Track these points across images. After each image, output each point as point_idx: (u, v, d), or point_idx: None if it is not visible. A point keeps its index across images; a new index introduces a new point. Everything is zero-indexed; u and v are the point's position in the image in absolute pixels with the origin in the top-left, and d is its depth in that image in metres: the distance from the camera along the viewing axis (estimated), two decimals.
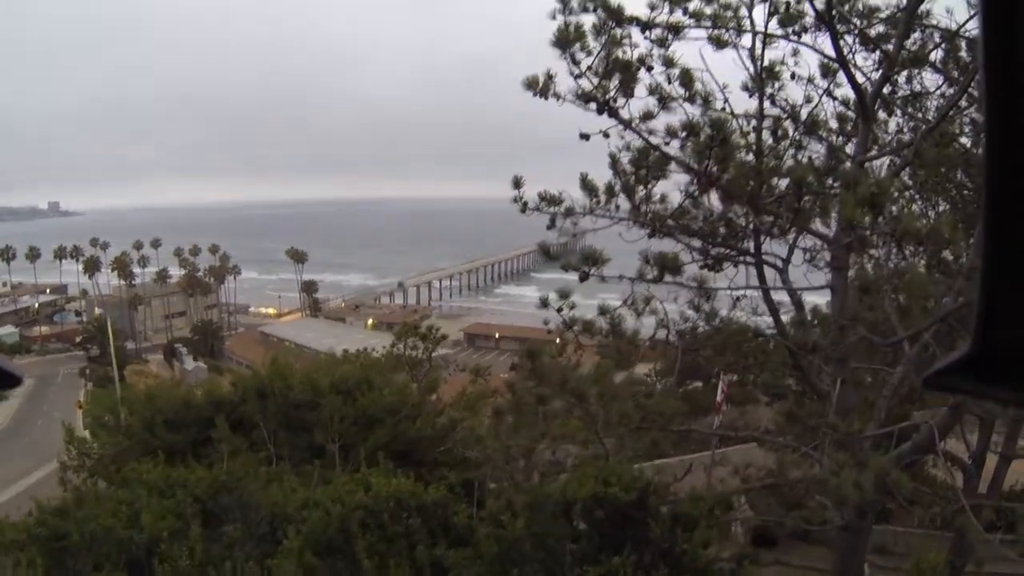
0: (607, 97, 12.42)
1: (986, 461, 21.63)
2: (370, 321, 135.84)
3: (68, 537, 14.19)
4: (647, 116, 12.70)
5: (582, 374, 14.93)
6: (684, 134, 12.30)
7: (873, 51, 14.19)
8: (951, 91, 14.89)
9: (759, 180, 12.68)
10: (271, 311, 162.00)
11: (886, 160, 15.14)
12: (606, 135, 12.58)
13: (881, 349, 15.62)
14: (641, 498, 12.73)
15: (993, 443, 21.84)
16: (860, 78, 13.79)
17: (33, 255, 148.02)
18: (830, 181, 12.96)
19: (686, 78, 13.19)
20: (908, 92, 15.93)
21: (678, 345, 15.06)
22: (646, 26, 12.56)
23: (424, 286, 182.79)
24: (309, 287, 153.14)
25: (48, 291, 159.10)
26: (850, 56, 13.96)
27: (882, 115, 15.92)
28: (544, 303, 13.65)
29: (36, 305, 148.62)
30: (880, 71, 13.79)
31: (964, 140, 16.37)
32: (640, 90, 12.75)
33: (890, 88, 15.10)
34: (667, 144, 12.76)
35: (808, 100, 14.27)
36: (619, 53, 12.55)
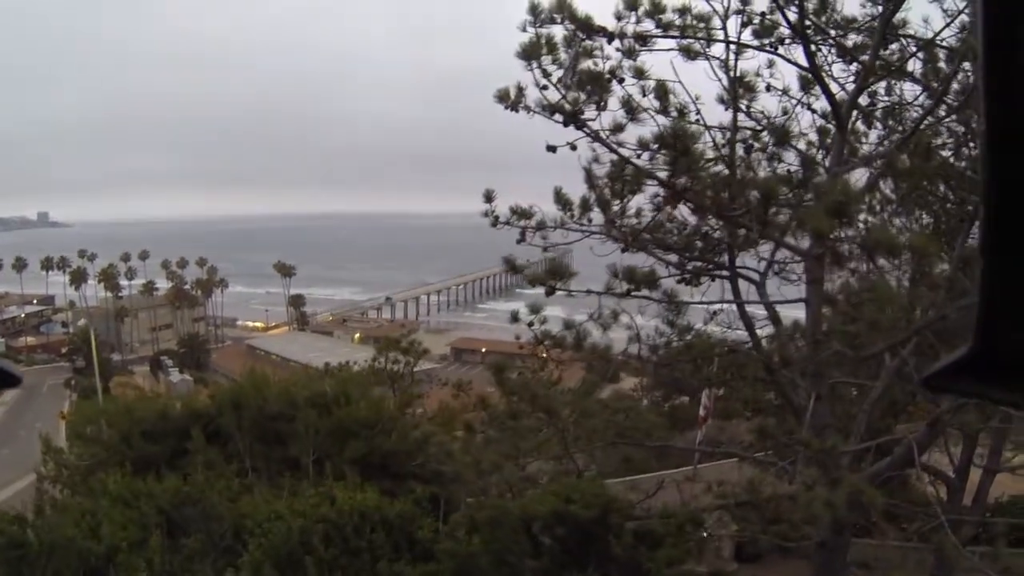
0: (575, 109, 12.28)
1: (971, 475, 21.58)
2: (357, 335, 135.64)
3: (27, 545, 14.06)
4: (617, 128, 12.58)
5: (552, 390, 14.82)
6: (656, 146, 12.16)
7: (850, 63, 14.10)
8: (929, 101, 14.76)
9: (729, 191, 12.58)
10: (259, 324, 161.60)
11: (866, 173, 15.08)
12: (573, 147, 12.46)
13: (865, 363, 15.47)
14: (603, 515, 12.57)
15: (979, 455, 21.76)
16: (837, 89, 13.75)
17: (20, 265, 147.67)
18: (803, 193, 12.94)
19: (660, 91, 13.11)
20: (888, 104, 15.78)
21: (650, 360, 14.94)
22: (612, 36, 12.41)
23: (412, 301, 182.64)
24: (296, 301, 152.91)
25: (35, 302, 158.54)
26: (826, 67, 13.91)
27: (862, 127, 15.81)
28: (515, 318, 13.55)
29: (23, 316, 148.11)
30: (855, 82, 13.72)
31: (945, 152, 16.28)
32: (611, 103, 12.69)
33: (869, 100, 15.00)
34: (638, 157, 12.68)
35: (785, 112, 14.20)
36: (588, 65, 12.45)
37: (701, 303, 14.24)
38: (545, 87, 12.14)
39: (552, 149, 12.37)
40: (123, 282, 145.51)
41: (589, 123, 12.45)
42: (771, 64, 13.95)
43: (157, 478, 17.47)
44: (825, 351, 13.20)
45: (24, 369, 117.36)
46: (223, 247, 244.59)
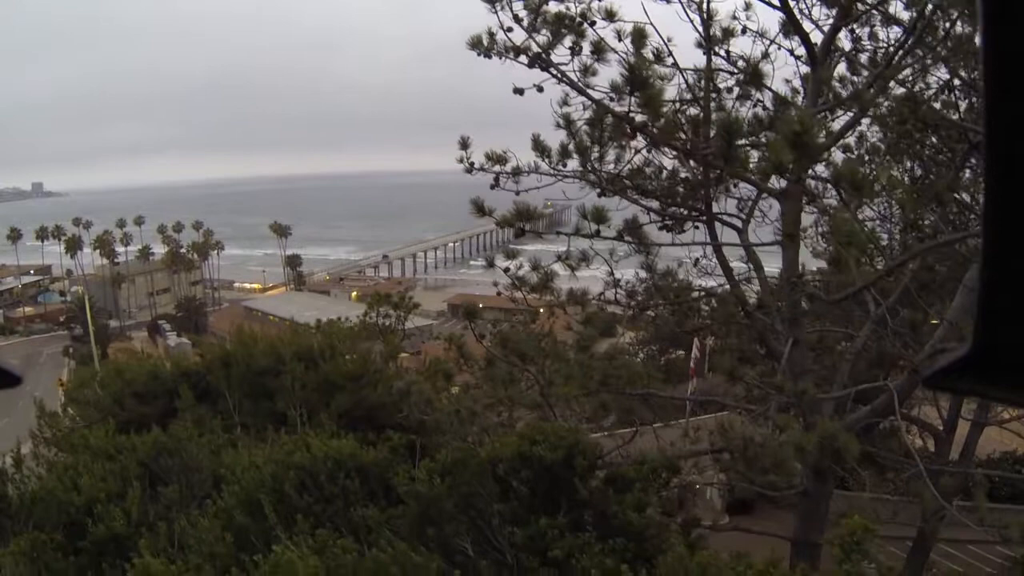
0: (539, 51, 12.13)
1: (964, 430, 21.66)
2: (354, 293, 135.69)
3: (6, 499, 14.22)
4: (586, 70, 12.44)
5: (533, 338, 14.81)
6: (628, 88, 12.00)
7: (832, 6, 13.88)
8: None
9: (696, 130, 12.48)
10: (256, 286, 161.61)
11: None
12: (540, 89, 12.36)
13: (838, 305, 15.42)
14: (568, 457, 12.55)
15: (970, 410, 21.81)
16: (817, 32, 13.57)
17: (15, 236, 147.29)
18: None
19: (637, 35, 12.96)
20: (872, 48, 15.55)
21: (628, 304, 14.91)
22: None
23: (408, 258, 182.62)
24: (293, 261, 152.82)
25: (32, 272, 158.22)
26: (805, 8, 13.71)
27: (848, 74, 15.56)
28: (490, 263, 13.52)
29: (19, 286, 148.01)
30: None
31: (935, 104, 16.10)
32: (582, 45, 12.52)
33: (853, 45, 14.78)
34: (612, 101, 12.52)
35: (765, 56, 14.01)
36: (556, 7, 12.29)
37: (673, 244, 14.13)
38: (510, 29, 11.98)
39: (519, 92, 12.29)
40: (119, 248, 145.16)
41: (554, 64, 12.31)
42: (748, 7, 13.79)
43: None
44: (799, 294, 13.15)
45: (22, 339, 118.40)
46: (219, 210, 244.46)
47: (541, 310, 17.30)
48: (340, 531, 12.13)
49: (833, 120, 14.16)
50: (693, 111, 13.53)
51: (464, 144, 13.34)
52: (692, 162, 13.18)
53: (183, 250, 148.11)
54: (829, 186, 14.23)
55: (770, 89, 13.99)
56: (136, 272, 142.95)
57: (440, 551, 11.49)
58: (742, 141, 12.08)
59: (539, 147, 13.41)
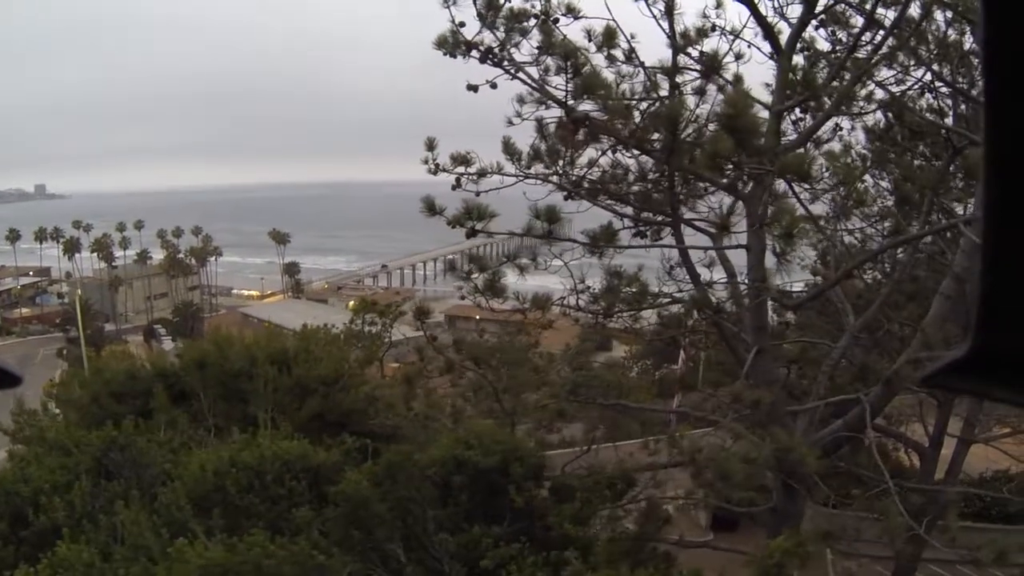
0: (491, 47, 11.90)
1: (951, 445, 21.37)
2: (351, 303, 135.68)
3: None
4: (547, 70, 12.22)
5: (481, 341, 14.60)
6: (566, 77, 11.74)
7: None
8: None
9: (645, 122, 12.23)
10: (254, 293, 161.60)
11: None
12: (494, 86, 12.12)
13: (801, 309, 15.16)
14: (503, 464, 12.27)
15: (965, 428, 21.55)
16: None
17: (14, 236, 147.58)
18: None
19: (608, 36, 12.77)
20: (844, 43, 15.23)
21: (590, 310, 14.65)
22: None
23: (408, 269, 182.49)
24: (291, 269, 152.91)
25: (31, 273, 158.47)
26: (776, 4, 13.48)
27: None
28: (451, 267, 13.32)
29: (18, 287, 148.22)
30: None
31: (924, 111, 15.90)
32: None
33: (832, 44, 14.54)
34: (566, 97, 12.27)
35: (739, 57, 13.76)
36: (510, 4, 12.05)
37: (630, 247, 13.86)
38: (462, 24, 11.74)
39: (473, 88, 12.07)
40: (118, 252, 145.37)
41: (506, 60, 12.08)
42: (719, 4, 13.58)
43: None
44: (762, 298, 12.87)
45: (19, 340, 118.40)
46: (219, 216, 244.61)
47: (538, 323, 17.11)
48: (280, 531, 11.95)
49: (802, 118, 13.98)
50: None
51: (430, 145, 13.12)
52: (651, 160, 12.91)
53: (181, 255, 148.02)
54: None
55: (730, 83, 13.67)
56: (134, 276, 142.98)
57: (373, 554, 11.25)
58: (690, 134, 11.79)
59: (509, 150, 13.21)
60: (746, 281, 13.35)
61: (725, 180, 12.39)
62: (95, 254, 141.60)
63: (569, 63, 10.91)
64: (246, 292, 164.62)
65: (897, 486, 16.34)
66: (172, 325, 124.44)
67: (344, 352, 25.55)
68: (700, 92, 13.31)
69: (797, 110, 14.23)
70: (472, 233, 11.59)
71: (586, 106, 11.56)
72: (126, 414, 21.93)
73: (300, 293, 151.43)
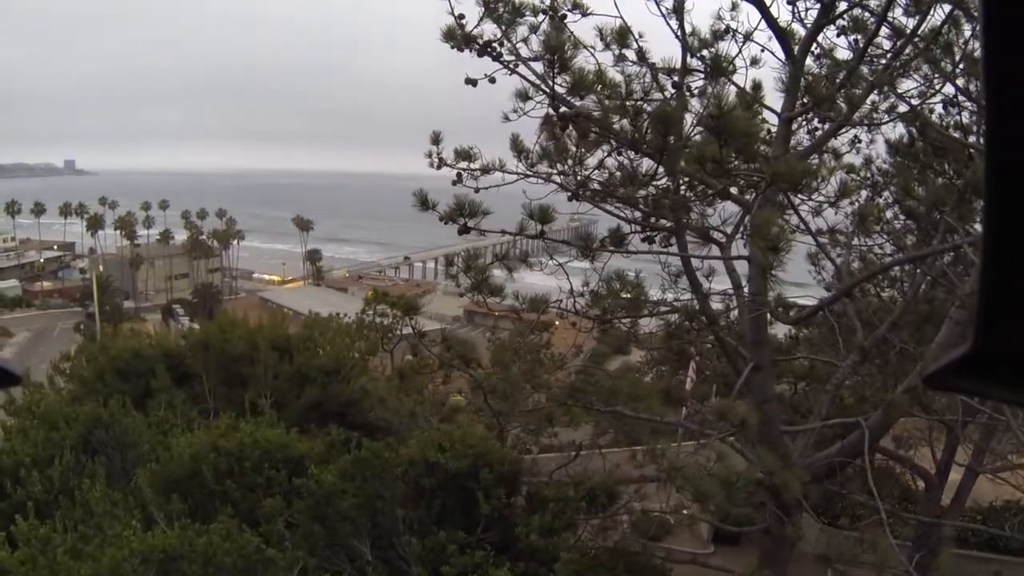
0: (488, 40, 11.64)
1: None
2: (370, 292, 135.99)
3: None
4: (537, 57, 11.94)
5: (470, 341, 14.45)
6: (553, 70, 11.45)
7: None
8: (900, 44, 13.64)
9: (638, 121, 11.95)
10: (275, 278, 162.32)
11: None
12: (492, 80, 11.79)
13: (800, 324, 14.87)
14: (473, 468, 12.04)
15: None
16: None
17: (39, 210, 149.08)
18: None
19: (621, 35, 12.55)
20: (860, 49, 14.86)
21: (589, 315, 14.41)
22: None
23: (431, 261, 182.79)
24: (313, 256, 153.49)
25: (55, 247, 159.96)
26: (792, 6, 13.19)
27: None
28: (449, 262, 13.15)
29: (41, 260, 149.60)
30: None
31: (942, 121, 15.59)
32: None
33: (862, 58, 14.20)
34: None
35: (755, 62, 13.49)
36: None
37: (630, 252, 13.54)
38: (462, 16, 11.48)
39: (472, 82, 11.74)
40: (141, 231, 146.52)
41: (505, 54, 11.82)
42: (734, 7, 13.29)
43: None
44: (762, 312, 12.58)
45: (39, 312, 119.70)
46: (246, 201, 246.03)
47: (556, 322, 16.93)
48: (254, 520, 11.86)
49: (819, 128, 13.69)
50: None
51: (436, 140, 12.83)
52: (635, 153, 12.59)
53: (203, 237, 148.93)
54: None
55: (735, 84, 13.36)
56: (156, 255, 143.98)
57: (340, 551, 11.10)
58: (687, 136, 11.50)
59: (517, 147, 12.97)
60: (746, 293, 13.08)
61: (721, 186, 12.13)
62: (119, 231, 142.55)
63: (556, 57, 10.55)
64: (267, 276, 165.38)
65: (895, 515, 16.06)
66: (191, 306, 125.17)
67: (348, 342, 25.39)
68: (701, 93, 13.02)
69: (815, 119, 13.95)
70: (464, 230, 11.35)
71: (584, 103, 11.29)
72: (129, 392, 22.04)
73: (320, 280, 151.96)
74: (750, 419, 11.39)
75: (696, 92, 12.87)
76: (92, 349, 32.45)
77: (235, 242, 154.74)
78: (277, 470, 13.04)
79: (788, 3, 12.78)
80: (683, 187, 13.13)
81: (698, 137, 11.08)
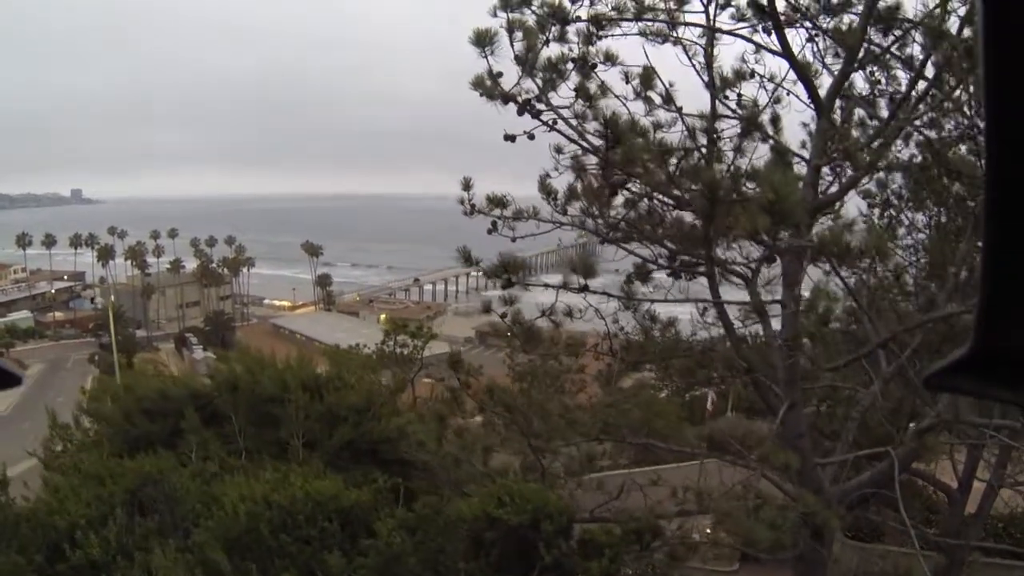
0: (528, 98, 11.90)
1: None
2: (382, 316, 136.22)
3: None
4: (580, 117, 12.22)
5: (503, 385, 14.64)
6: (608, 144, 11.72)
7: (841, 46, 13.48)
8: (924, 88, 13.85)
9: (682, 181, 12.24)
10: (285, 303, 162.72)
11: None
12: (531, 136, 12.04)
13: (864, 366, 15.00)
14: (534, 521, 12.29)
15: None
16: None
17: (49, 242, 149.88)
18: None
19: (645, 78, 12.79)
20: (888, 92, 15.02)
21: (622, 357, 14.67)
22: (568, 21, 11.99)
23: (440, 283, 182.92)
24: (323, 281, 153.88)
25: (65, 278, 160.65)
26: (818, 53, 13.41)
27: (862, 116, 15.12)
28: (487, 309, 13.34)
29: (52, 291, 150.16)
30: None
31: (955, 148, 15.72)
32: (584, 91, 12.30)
33: (871, 86, 14.39)
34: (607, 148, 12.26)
35: (778, 101, 13.69)
36: (555, 50, 12.08)
37: (664, 300, 13.79)
38: (500, 74, 11.74)
39: (511, 139, 12.00)
40: (151, 259, 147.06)
41: (552, 108, 12.08)
42: (758, 49, 13.47)
43: (153, 457, 17.77)
44: (794, 358, 12.74)
45: (51, 343, 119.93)
46: (253, 227, 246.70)
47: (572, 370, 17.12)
48: (312, 574, 12.08)
49: (840, 175, 13.89)
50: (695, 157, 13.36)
51: (466, 185, 13.01)
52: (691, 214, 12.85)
53: (214, 265, 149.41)
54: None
55: (772, 138, 13.60)
56: (167, 284, 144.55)
57: None
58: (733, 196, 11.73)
59: (545, 188, 13.19)
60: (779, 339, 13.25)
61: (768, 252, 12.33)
62: (129, 261, 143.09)
63: (610, 129, 10.83)
64: (278, 302, 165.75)
65: (922, 535, 16.20)
66: (203, 334, 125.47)
67: (375, 379, 25.58)
68: (738, 150, 13.27)
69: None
70: (508, 284, 11.60)
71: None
72: (158, 432, 22.21)
73: (331, 305, 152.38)
74: (793, 464, 11.65)
75: (728, 139, 13.18)
76: (114, 386, 32.66)
77: (245, 269, 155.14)
78: (330, 521, 13.22)
79: (812, 53, 13.09)
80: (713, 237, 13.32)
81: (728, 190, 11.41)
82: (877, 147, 12.92)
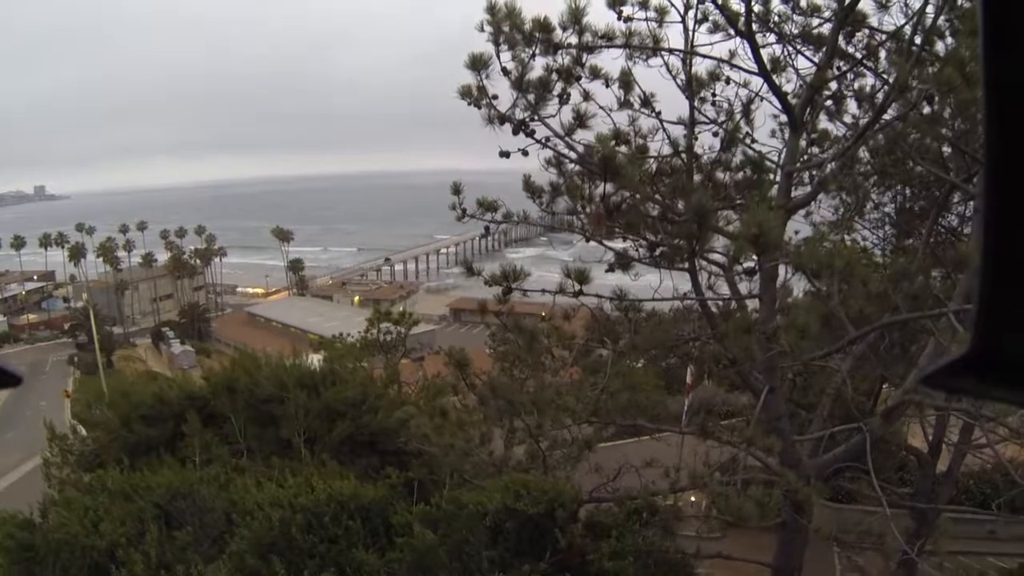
0: (522, 118, 12.49)
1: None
2: (356, 298, 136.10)
3: (35, 548, 14.82)
4: (570, 131, 12.84)
5: (507, 381, 15.27)
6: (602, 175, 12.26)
7: (817, 52, 14.02)
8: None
9: (671, 196, 12.96)
10: (259, 290, 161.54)
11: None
12: (525, 153, 12.66)
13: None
14: (549, 510, 13.26)
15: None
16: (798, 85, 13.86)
17: (18, 244, 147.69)
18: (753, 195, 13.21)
19: (624, 81, 13.39)
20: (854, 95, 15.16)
21: (612, 349, 15.36)
22: (557, 47, 12.55)
23: (411, 261, 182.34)
24: (295, 266, 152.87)
25: (35, 278, 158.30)
26: (789, 61, 14.03)
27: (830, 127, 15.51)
28: (469, 269, 13.92)
29: (24, 293, 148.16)
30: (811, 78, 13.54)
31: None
32: (568, 101, 12.86)
33: (831, 96, 14.86)
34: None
35: (750, 103, 14.19)
36: (544, 65, 12.60)
37: (654, 300, 14.43)
38: (495, 97, 12.31)
39: (505, 155, 12.55)
40: (121, 254, 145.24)
41: (536, 131, 12.66)
42: (732, 55, 13.93)
43: (158, 462, 18.24)
44: (772, 350, 13.39)
45: (27, 347, 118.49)
46: (222, 213, 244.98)
47: (543, 314, 17.72)
48: (343, 571, 12.89)
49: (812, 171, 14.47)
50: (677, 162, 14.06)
51: (456, 190, 13.43)
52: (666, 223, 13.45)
53: (185, 256, 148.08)
54: None
55: (752, 149, 14.27)
56: (139, 279, 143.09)
57: None
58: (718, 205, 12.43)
59: (530, 188, 13.75)
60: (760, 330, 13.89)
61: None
62: (100, 258, 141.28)
63: (605, 164, 11.33)
64: (251, 290, 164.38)
65: (895, 498, 17.04)
66: (179, 327, 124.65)
67: (367, 371, 26.11)
68: (717, 162, 14.02)
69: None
70: (507, 291, 12.21)
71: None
72: (157, 437, 22.65)
73: (305, 290, 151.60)
74: (775, 447, 12.56)
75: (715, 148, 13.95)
76: (98, 387, 32.88)
77: (217, 259, 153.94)
78: (353, 519, 13.92)
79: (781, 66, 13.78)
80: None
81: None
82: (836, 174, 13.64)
